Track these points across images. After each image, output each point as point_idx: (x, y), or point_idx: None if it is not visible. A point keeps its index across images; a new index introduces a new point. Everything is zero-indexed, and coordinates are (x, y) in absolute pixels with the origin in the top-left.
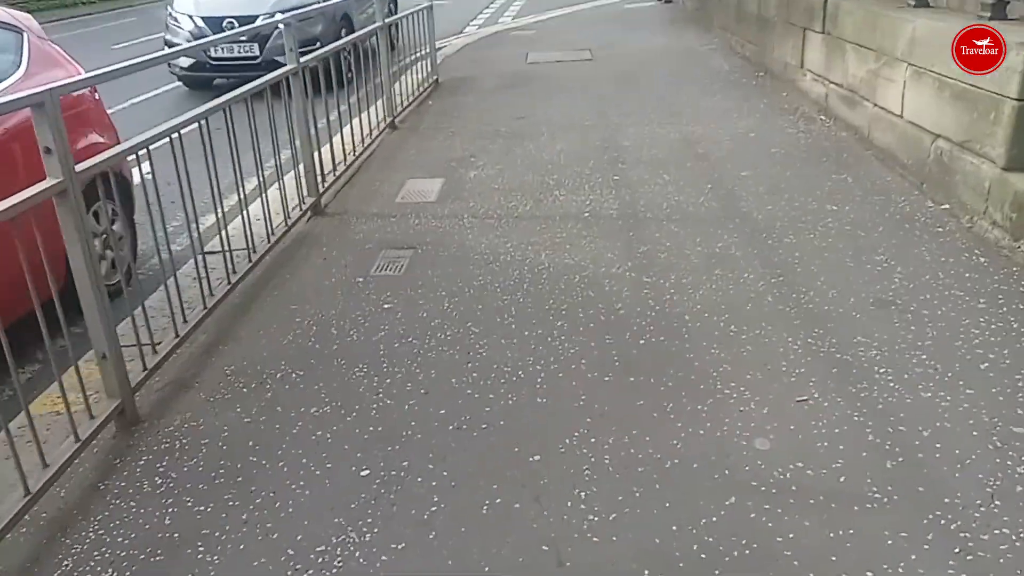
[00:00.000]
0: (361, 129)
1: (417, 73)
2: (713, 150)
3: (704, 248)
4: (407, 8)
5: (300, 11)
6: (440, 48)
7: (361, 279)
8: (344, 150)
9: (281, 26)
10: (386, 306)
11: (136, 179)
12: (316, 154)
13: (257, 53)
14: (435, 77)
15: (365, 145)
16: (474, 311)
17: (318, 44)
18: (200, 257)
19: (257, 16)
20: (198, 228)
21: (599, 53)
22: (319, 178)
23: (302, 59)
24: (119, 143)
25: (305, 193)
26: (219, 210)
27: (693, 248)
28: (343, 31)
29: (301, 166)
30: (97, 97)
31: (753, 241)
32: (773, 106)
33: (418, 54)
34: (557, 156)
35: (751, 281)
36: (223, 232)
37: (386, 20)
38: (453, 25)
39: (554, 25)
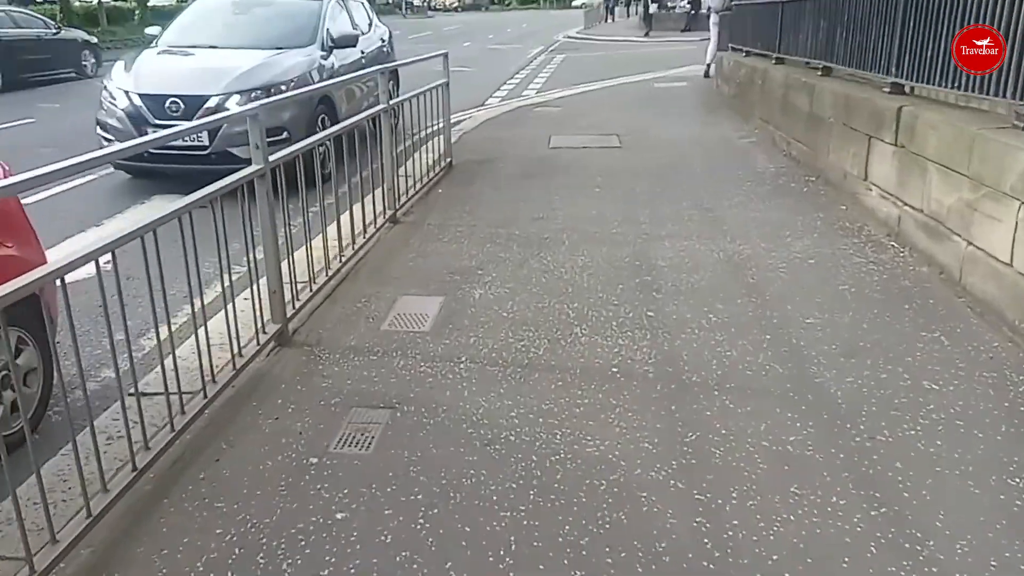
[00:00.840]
0: (352, 227)
1: (429, 152)
2: (767, 280)
3: (772, 444)
4: (415, 81)
5: (269, 98)
6: (459, 122)
7: (316, 460)
8: (327, 255)
9: (235, 108)
10: (339, 516)
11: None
12: (287, 264)
13: (207, 142)
14: (449, 159)
15: (356, 248)
16: (458, 539)
17: (284, 135)
18: (116, 418)
19: (209, 97)
20: (120, 375)
21: (628, 139)
22: (290, 296)
23: (272, 156)
24: (41, 253)
25: (268, 319)
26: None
27: (757, 442)
28: (322, 119)
29: (264, 284)
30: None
31: (836, 437)
32: (832, 223)
33: (432, 128)
34: (579, 275)
35: (843, 511)
36: (136, 393)
37: (391, 102)
38: (475, 94)
39: (580, 103)
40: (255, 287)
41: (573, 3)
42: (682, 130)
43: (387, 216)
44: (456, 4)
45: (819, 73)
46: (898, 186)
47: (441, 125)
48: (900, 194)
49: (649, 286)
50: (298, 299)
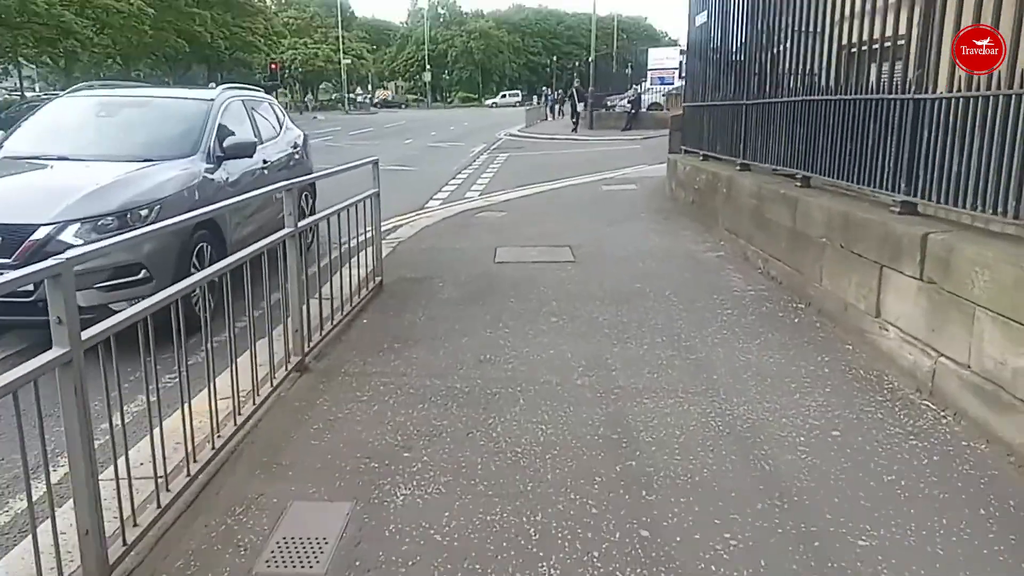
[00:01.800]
0: (235, 391)
1: (357, 267)
2: (787, 468)
3: None
4: (345, 189)
5: (123, 227)
6: (395, 227)
7: None
8: (191, 441)
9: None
10: None
11: None
12: (123, 463)
13: (31, 287)
14: (379, 278)
15: (241, 420)
16: None
17: (142, 274)
18: None
19: (35, 227)
20: None
21: (582, 252)
22: (121, 524)
23: (89, 332)
24: None
25: (76, 565)
26: None
27: None
28: (201, 249)
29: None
30: None
31: None
32: (842, 370)
33: (363, 235)
34: (541, 459)
35: None
36: None
37: (301, 223)
38: (415, 197)
39: (527, 207)
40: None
41: (486, 101)
42: (641, 241)
43: (292, 364)
44: (397, 99)
45: (797, 184)
46: (929, 331)
47: (371, 234)
48: (933, 342)
49: (635, 479)
50: (135, 523)
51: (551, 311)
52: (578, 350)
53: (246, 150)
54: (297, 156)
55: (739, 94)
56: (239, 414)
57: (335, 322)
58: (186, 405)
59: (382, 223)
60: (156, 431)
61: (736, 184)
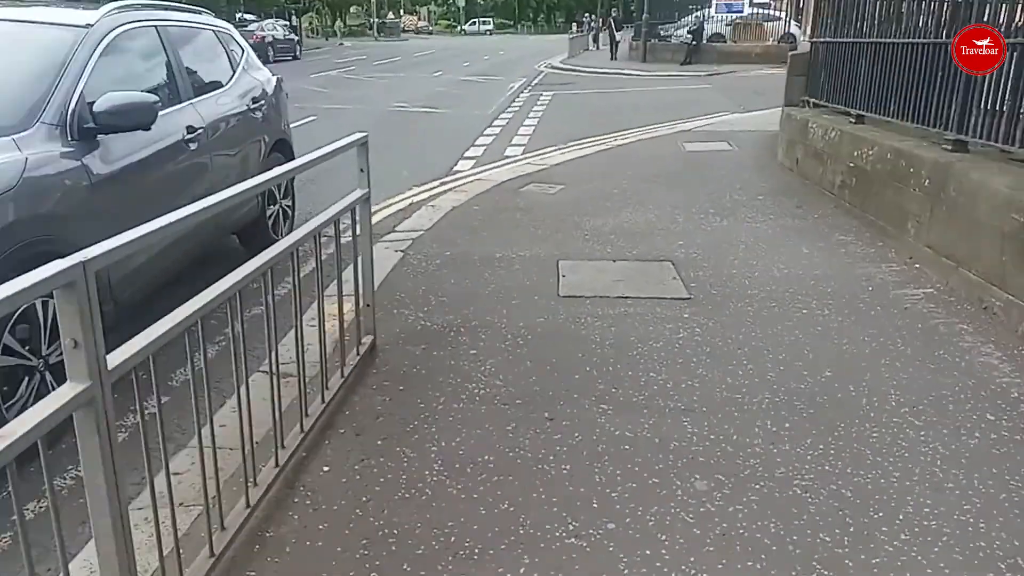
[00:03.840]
0: None
1: (329, 316)
2: None
3: None
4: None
5: None
6: (409, 209)
7: None
8: None
9: None
10: None
11: None
12: None
13: None
14: (368, 339)
15: None
16: None
17: None
18: None
19: None
20: None
21: (696, 277)
22: None
23: None
24: None
25: None
26: None
27: None
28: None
29: None
30: None
31: None
32: None
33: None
34: None
35: None
36: None
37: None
38: (440, 156)
39: (588, 175)
40: None
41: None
42: (781, 255)
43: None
44: (428, 27)
45: None
46: None
47: (359, 259)
48: None
49: None
50: None
51: (685, 436)
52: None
53: (137, 116)
54: (258, 115)
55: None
56: None
57: (279, 465)
58: None
59: (394, 198)
60: None
61: (966, 182)
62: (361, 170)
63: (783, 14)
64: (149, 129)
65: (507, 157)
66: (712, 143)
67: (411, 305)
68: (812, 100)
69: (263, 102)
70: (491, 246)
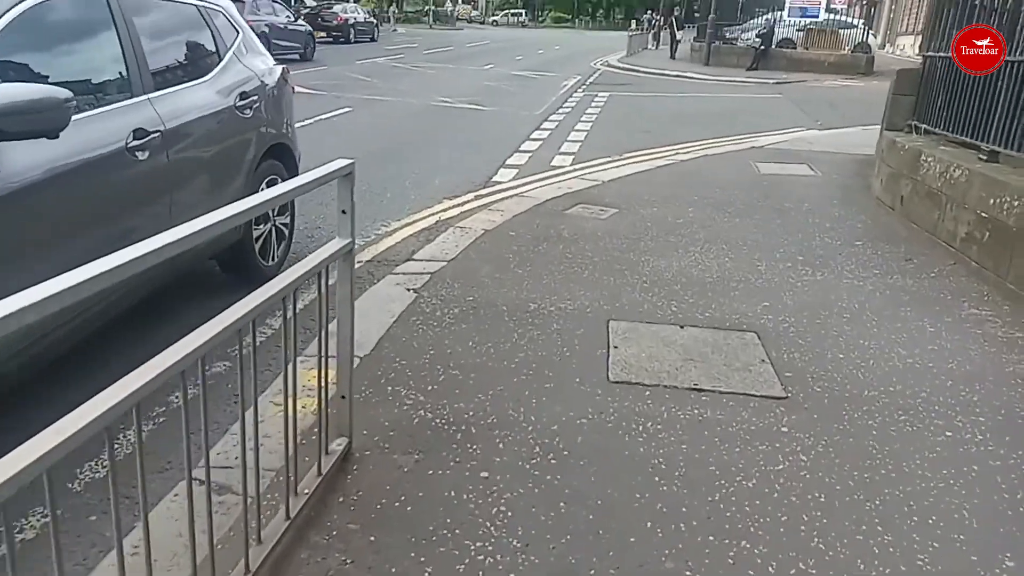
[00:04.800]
0: None
1: (284, 413)
2: None
3: None
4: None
5: None
6: (432, 231)
7: None
8: None
9: None
10: None
11: None
12: None
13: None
14: (344, 441)
15: None
16: None
17: None
18: None
19: None
20: None
21: (790, 364)
22: None
23: None
24: None
25: None
26: None
27: None
28: None
29: None
30: None
31: None
32: None
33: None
34: None
35: None
36: None
37: None
38: (479, 160)
39: (646, 198)
40: None
41: (489, 19)
42: (899, 333)
43: None
44: (482, 17)
45: None
46: None
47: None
48: None
49: None
50: None
51: None
52: None
53: (38, 119)
54: (248, 114)
55: None
56: None
57: None
58: None
59: (420, 213)
60: None
61: None
62: (343, 212)
63: (859, 22)
64: (56, 136)
65: (554, 168)
66: (790, 165)
67: (411, 380)
68: (923, 126)
69: (256, 97)
70: (525, 290)
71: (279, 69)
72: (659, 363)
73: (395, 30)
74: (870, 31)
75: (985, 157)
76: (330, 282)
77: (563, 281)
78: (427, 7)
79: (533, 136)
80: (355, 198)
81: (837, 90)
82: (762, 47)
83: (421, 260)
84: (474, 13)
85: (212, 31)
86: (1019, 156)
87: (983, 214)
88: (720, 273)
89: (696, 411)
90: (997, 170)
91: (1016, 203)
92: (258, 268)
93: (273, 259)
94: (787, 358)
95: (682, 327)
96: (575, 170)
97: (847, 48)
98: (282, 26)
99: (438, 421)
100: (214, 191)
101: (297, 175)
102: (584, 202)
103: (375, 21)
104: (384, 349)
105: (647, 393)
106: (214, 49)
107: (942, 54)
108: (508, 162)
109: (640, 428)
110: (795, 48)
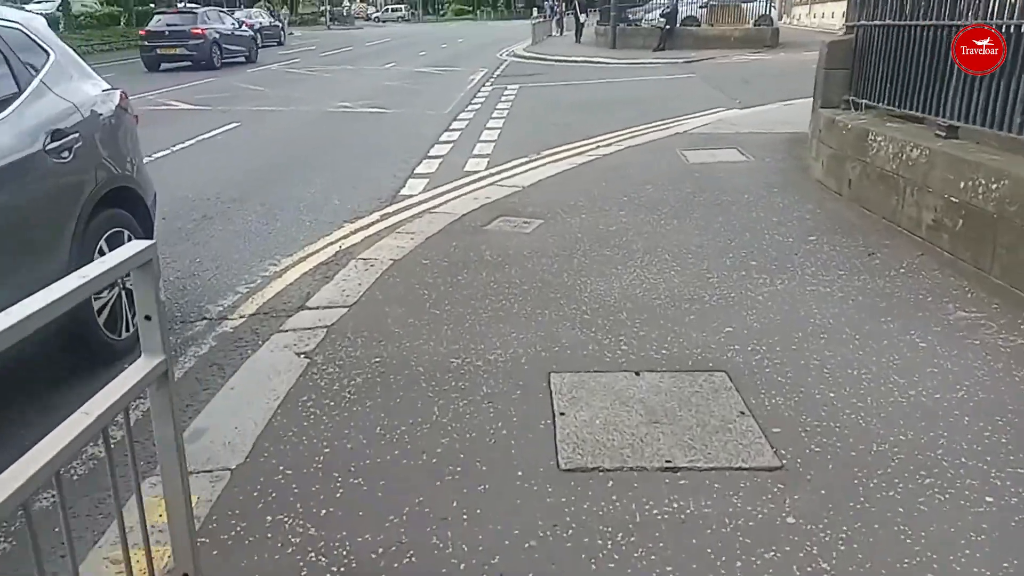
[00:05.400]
0: None
1: None
2: None
3: None
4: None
5: None
6: (333, 249)
7: None
8: None
9: None
10: None
11: None
12: None
13: None
14: None
15: None
16: None
17: None
18: None
19: None
20: None
21: (782, 407)
22: None
23: None
24: None
25: None
26: None
27: None
28: None
29: None
30: None
31: None
32: None
33: None
34: None
35: None
36: None
37: None
38: (383, 172)
39: (573, 204)
40: None
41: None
42: (889, 354)
43: None
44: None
45: None
46: None
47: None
48: None
49: None
50: None
51: None
52: None
53: None
54: (66, 157)
55: None
56: None
57: None
58: None
59: (316, 243)
60: None
61: None
62: (147, 318)
63: None
64: None
65: (468, 174)
66: (719, 151)
67: (299, 503)
68: (864, 102)
69: (77, 135)
70: (445, 340)
71: (116, 94)
72: (619, 432)
73: (291, 33)
74: (771, 3)
75: (944, 134)
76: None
77: (490, 321)
78: (323, 7)
79: (443, 138)
80: (196, 267)
81: (747, 65)
82: (667, 27)
83: (316, 308)
84: (371, 11)
85: (8, 59)
86: (983, 131)
87: (952, 199)
88: (669, 292)
89: (675, 504)
90: (962, 148)
91: (994, 186)
92: (106, 345)
93: (127, 330)
94: (769, 405)
95: (638, 373)
96: (492, 175)
97: (751, 21)
98: (230, 33)
99: (336, 569)
100: (18, 267)
101: (151, 222)
102: (505, 214)
103: (280, 24)
104: (263, 455)
105: (610, 484)
106: (13, 81)
107: (878, 22)
108: (417, 171)
109: (608, 544)
110: (700, 25)
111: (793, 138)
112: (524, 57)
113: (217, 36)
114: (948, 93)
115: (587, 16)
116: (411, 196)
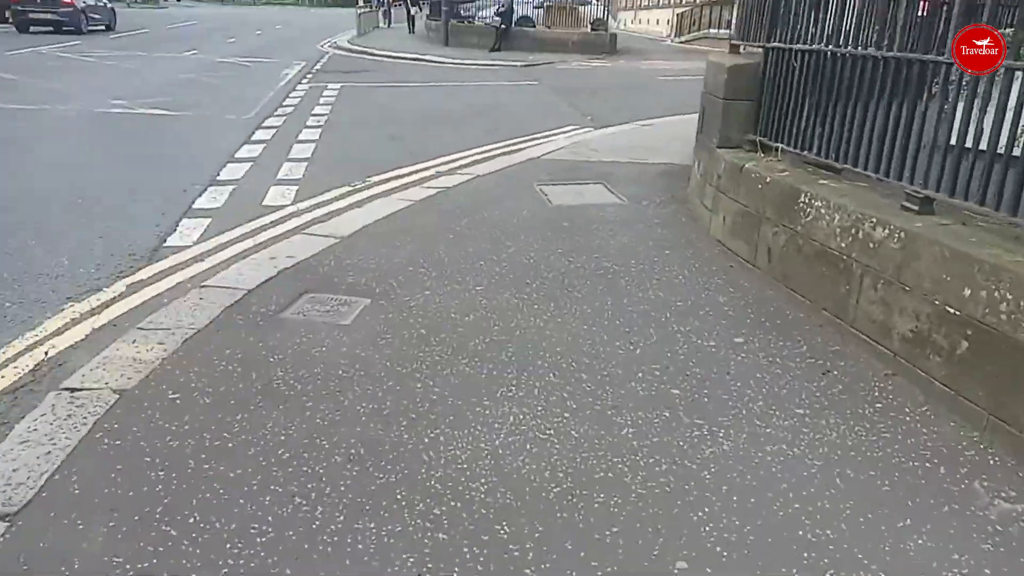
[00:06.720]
0: None
1: None
2: None
3: None
4: None
5: None
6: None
7: None
8: None
9: None
10: None
11: None
12: None
13: None
14: None
15: None
16: None
17: None
18: None
19: None
20: None
21: None
22: None
23: None
24: None
25: None
26: None
27: None
28: None
29: None
30: None
31: None
32: None
33: None
34: None
35: None
36: None
37: None
38: (147, 211)
39: (407, 264)
40: None
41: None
42: None
43: None
44: None
45: None
46: None
47: None
48: None
49: None
50: None
51: None
52: None
53: None
54: None
55: None
56: None
57: None
58: None
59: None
60: None
61: None
62: None
63: None
64: None
65: (269, 210)
66: (585, 187)
67: None
68: (779, 145)
69: None
70: None
71: None
72: None
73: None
74: (607, 8)
75: (916, 207)
76: None
77: (279, 552)
78: None
79: (240, 154)
80: None
81: (589, 72)
82: (503, 26)
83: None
84: None
85: None
86: (985, 213)
87: (949, 309)
88: (566, 466)
89: None
90: (957, 236)
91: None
92: None
93: None
94: None
95: None
96: (300, 213)
97: (587, 25)
98: (94, 3)
99: None
100: None
101: None
102: (314, 288)
103: (111, 5)
104: None
105: None
106: None
107: (804, 47)
108: (197, 205)
109: None
110: (535, 27)
111: (667, 171)
112: (349, 50)
113: (83, 6)
114: (919, 152)
115: (418, 9)
116: (180, 250)
